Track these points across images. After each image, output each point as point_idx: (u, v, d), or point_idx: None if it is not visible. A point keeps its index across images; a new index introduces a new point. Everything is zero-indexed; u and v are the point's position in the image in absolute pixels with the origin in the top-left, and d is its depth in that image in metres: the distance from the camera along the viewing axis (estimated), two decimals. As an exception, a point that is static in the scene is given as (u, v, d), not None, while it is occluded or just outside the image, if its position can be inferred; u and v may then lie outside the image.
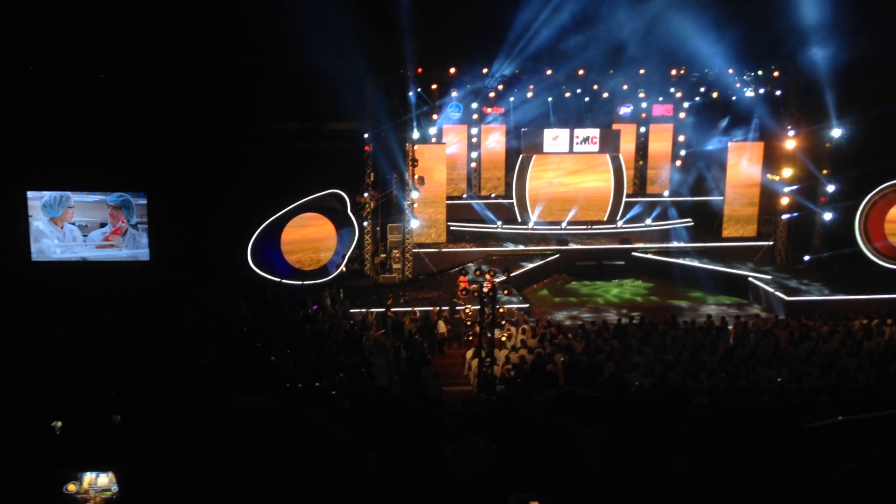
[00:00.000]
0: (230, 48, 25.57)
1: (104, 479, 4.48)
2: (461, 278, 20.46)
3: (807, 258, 28.67)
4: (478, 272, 18.93)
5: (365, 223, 27.15)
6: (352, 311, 23.02)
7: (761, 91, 29.54)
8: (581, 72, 28.84)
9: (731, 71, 28.81)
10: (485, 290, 17.99)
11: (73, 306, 19.63)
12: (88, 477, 4.48)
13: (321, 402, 13.02)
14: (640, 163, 34.00)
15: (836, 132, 27.58)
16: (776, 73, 28.26)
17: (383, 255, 27.01)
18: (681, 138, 34.23)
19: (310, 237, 24.50)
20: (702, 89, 30.98)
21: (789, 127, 28.50)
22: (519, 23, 27.21)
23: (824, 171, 28.12)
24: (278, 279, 23.81)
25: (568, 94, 30.76)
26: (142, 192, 24.50)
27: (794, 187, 28.73)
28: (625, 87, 30.56)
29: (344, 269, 25.18)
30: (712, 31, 26.34)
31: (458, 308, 22.53)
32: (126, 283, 22.40)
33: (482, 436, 4.94)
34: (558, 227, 30.36)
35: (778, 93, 28.86)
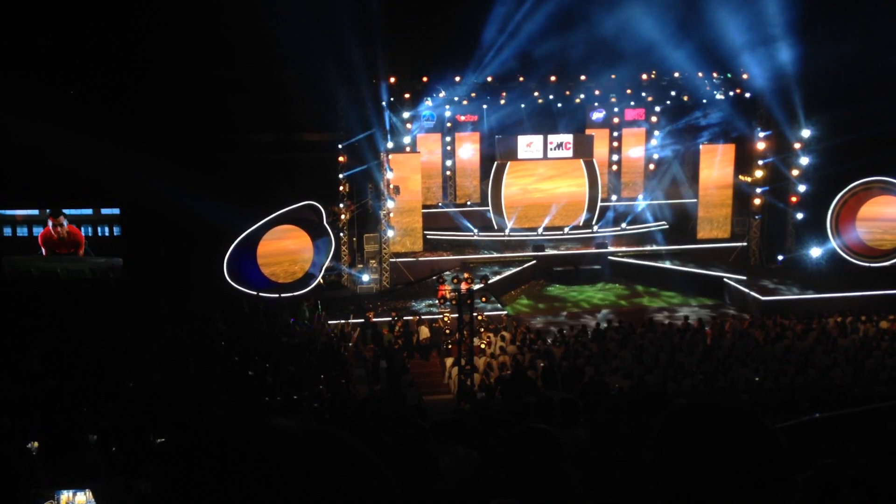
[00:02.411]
0: (204, 59, 25.48)
1: (81, 498, 4.44)
2: (441, 286, 20.45)
3: (780, 258, 29.00)
4: (455, 280, 18.94)
5: (341, 234, 27.12)
6: (330, 322, 22.95)
7: (731, 94, 29.89)
8: (553, 78, 29.05)
9: (700, 74, 29.19)
10: (463, 295, 18.00)
11: (46, 322, 19.39)
12: (66, 495, 4.43)
13: (301, 415, 12.96)
14: (615, 167, 34.20)
15: (806, 132, 27.95)
16: (745, 76, 28.58)
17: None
18: (653, 142, 34.50)
19: (286, 249, 24.38)
20: (672, 93, 31.27)
21: (759, 128, 28.83)
22: (490, 30, 27.39)
23: (794, 172, 28.47)
24: (255, 292, 23.67)
25: (541, 101, 30.91)
26: (116, 206, 24.37)
27: (765, 189, 29.08)
28: (597, 92, 30.80)
29: (321, 280, 25.10)
30: (680, 35, 26.67)
31: (436, 316, 22.54)
32: (100, 298, 22.18)
33: (463, 444, 4.95)
34: (535, 233, 30.47)
35: (747, 95, 29.19)
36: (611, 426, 3.55)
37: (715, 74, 29.44)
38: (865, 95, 24.51)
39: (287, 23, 23.63)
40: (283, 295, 23.89)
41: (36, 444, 6.68)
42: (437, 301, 21.58)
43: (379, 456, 1.32)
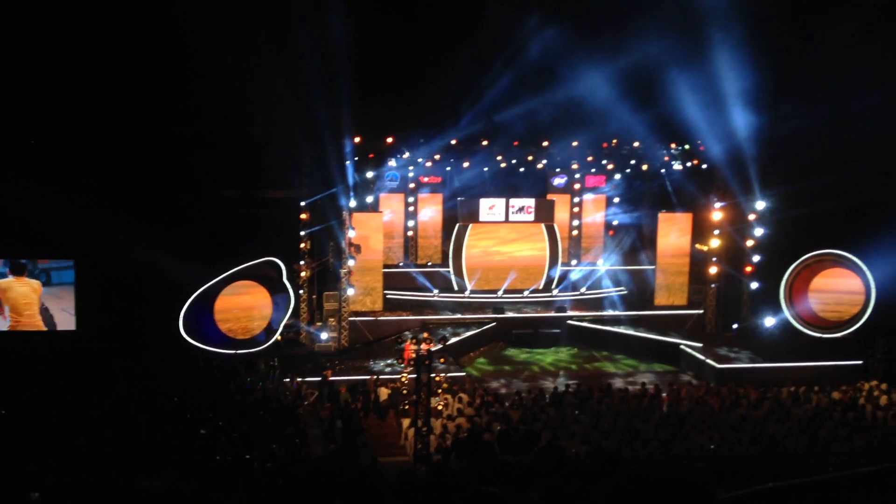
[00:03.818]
0: (169, 113, 25.49)
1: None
2: (407, 345, 20.33)
3: (735, 326, 29.42)
4: (413, 340, 18.86)
5: (301, 291, 26.93)
6: (286, 380, 22.63)
7: (688, 164, 30.65)
8: (516, 143, 29.57)
9: (658, 145, 30.01)
10: (422, 356, 17.90)
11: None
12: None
13: (252, 479, 12.70)
14: (575, 232, 34.63)
15: (761, 204, 28.64)
16: (702, 148, 29.32)
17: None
18: (613, 209, 35.09)
19: (244, 305, 24.10)
20: (632, 162, 31.97)
21: (715, 199, 29.49)
22: (455, 96, 27.87)
23: (749, 242, 29.08)
24: (211, 348, 23.29)
25: (504, 165, 31.36)
26: (70, 259, 23.99)
27: (714, 259, 29.66)
28: (558, 158, 31.41)
29: (279, 337, 24.81)
30: (641, 106, 27.39)
31: (395, 377, 22.35)
32: (53, 354, 21.69)
33: (418, 507, 4.88)
34: (494, 295, 30.57)
35: (704, 166, 29.91)
36: (564, 491, 3.54)
37: (673, 145, 30.22)
38: (819, 170, 25.26)
39: (253, 80, 23.80)
40: (239, 351, 23.54)
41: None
42: (396, 361, 21.42)
43: None
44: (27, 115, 24.91)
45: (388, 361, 24.24)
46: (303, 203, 27.09)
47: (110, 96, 24.58)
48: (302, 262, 26.84)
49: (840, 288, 27.47)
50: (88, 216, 22.51)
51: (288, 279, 24.83)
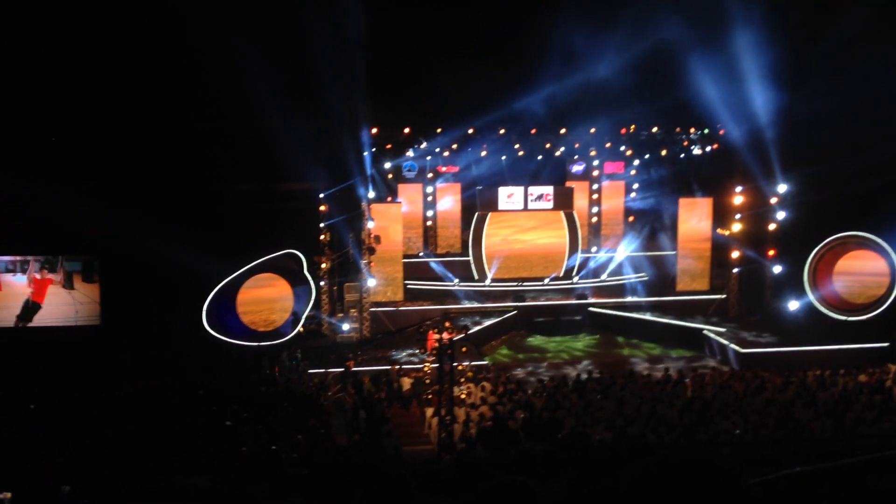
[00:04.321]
0: (186, 110, 25.59)
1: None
2: (430, 334, 20.31)
3: (758, 315, 29.25)
4: (435, 330, 18.87)
5: (322, 283, 27.03)
6: (310, 371, 22.75)
7: (708, 148, 30.39)
8: (533, 131, 29.44)
9: (678, 129, 29.75)
10: (444, 346, 17.92)
11: (22, 373, 19.12)
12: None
13: (276, 469, 12.78)
14: (594, 219, 34.48)
15: (782, 187, 28.37)
16: (722, 131, 29.07)
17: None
18: (632, 195, 34.88)
19: (265, 297, 24.25)
20: (651, 147, 31.76)
21: (736, 183, 29.24)
22: (474, 83, 27.78)
23: (771, 226, 28.82)
24: (234, 340, 23.46)
25: (521, 153, 31.25)
26: (93, 255, 24.23)
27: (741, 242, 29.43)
28: (576, 145, 31.25)
29: (301, 328, 24.94)
30: (659, 90, 27.18)
31: (418, 366, 22.39)
32: (79, 349, 21.92)
33: (444, 496, 4.89)
34: (515, 283, 30.53)
35: (725, 150, 29.65)
36: (591, 479, 3.52)
37: (692, 129, 29.97)
38: (842, 152, 24.95)
39: (269, 74, 23.83)
40: (262, 343, 23.70)
41: (9, 494, 6.55)
42: (418, 351, 21.44)
43: None
44: (46, 113, 25.10)
45: (410, 351, 24.30)
46: (322, 195, 27.15)
47: (128, 94, 24.70)
48: (322, 254, 26.91)
49: (865, 270, 27.18)
50: (110, 213, 22.69)
51: (308, 271, 24.94)
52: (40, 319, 24.37)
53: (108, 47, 24.82)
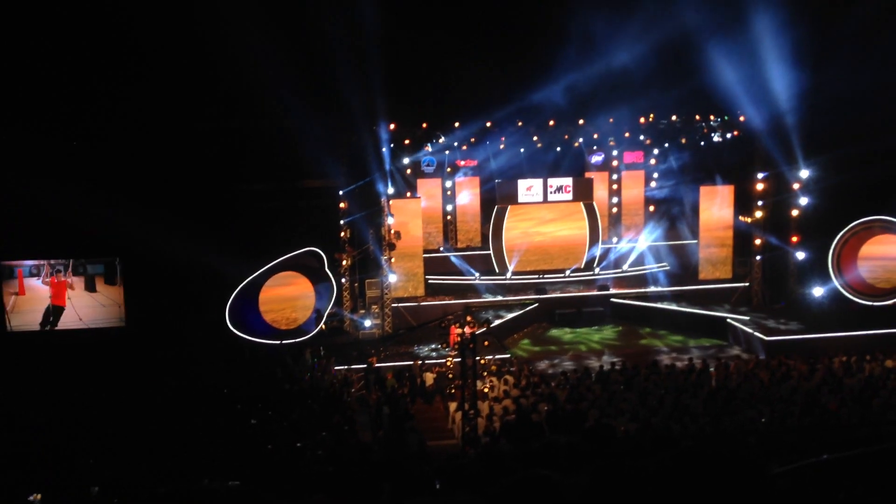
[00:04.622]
0: (203, 110, 25.72)
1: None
2: (452, 328, 20.32)
3: (782, 303, 29.01)
4: (457, 325, 18.88)
5: (343, 279, 27.10)
6: (336, 367, 22.84)
7: (729, 135, 30.12)
8: (551, 122, 29.30)
9: (697, 117, 29.51)
10: (466, 340, 17.92)
11: (49, 376, 19.32)
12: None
13: (301, 466, 12.85)
14: (615, 209, 34.31)
15: (805, 173, 28.07)
16: (742, 118, 28.80)
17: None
18: (652, 184, 34.64)
19: (287, 295, 24.38)
20: (671, 135, 31.51)
21: (757, 169, 28.99)
22: (491, 76, 27.70)
23: (794, 212, 28.53)
24: (257, 339, 23.60)
25: (540, 145, 31.12)
26: (116, 257, 24.47)
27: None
28: (595, 135, 31.09)
29: (324, 326, 25.04)
30: (678, 78, 26.95)
31: (440, 361, 22.42)
32: (103, 350, 22.13)
33: (469, 491, 4.88)
34: (536, 276, 30.46)
35: (745, 136, 29.37)
36: (616, 470, 3.51)
37: (712, 116, 29.72)
38: (865, 135, 24.65)
39: (288, 72, 23.89)
40: (284, 342, 23.83)
41: (39, 496, 6.63)
42: (440, 346, 21.43)
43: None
44: (67, 116, 25.32)
45: (432, 346, 24.32)
46: (341, 192, 27.21)
47: (148, 96, 24.85)
48: (343, 251, 26.97)
49: (890, 254, 26.88)
50: (132, 215, 22.89)
51: (329, 268, 25.02)
52: (65, 323, 24.62)
53: (130, 49, 25.00)
